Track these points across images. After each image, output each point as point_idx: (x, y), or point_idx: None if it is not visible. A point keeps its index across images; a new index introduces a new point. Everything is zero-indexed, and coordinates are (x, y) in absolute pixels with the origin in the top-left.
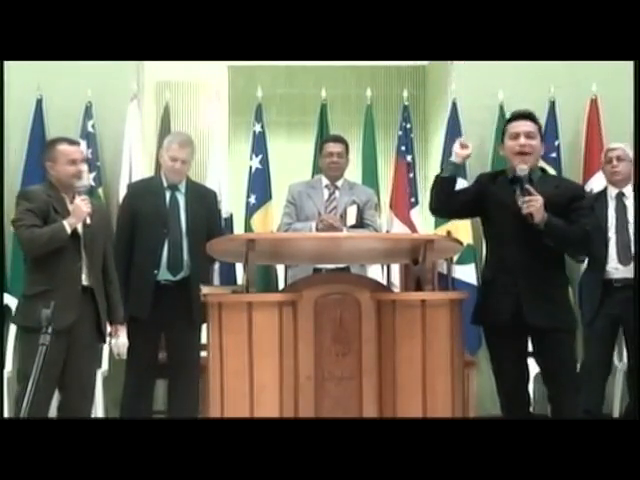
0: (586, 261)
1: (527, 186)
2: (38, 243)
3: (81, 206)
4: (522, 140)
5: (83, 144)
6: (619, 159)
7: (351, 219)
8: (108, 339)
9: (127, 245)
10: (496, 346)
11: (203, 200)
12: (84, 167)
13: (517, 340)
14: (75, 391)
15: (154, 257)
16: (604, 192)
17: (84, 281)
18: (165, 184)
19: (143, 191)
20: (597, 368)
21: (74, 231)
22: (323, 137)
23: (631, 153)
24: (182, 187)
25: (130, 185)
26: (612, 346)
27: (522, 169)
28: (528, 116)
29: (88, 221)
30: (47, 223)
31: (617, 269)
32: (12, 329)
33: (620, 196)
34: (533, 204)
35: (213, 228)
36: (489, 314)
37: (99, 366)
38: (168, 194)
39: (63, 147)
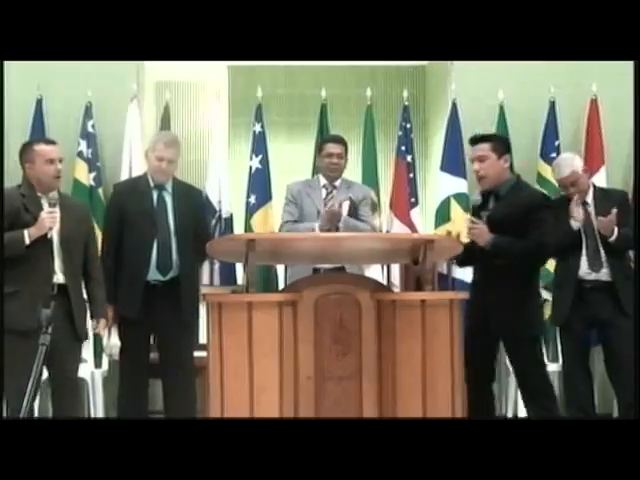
0: (557, 263)
1: (469, 217)
2: None
3: (45, 220)
4: (475, 166)
5: (83, 144)
6: (573, 184)
7: (343, 213)
8: (106, 341)
9: (115, 245)
10: (469, 346)
11: (190, 199)
12: (61, 167)
13: (487, 343)
14: (63, 391)
15: (143, 257)
16: (569, 198)
17: (59, 279)
18: (152, 184)
19: (130, 191)
20: (576, 370)
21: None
22: (323, 137)
23: (579, 165)
24: (169, 187)
25: (116, 185)
26: (589, 348)
27: (474, 200)
28: (480, 139)
29: (49, 235)
30: (15, 223)
31: (589, 273)
32: None
33: (584, 205)
34: (473, 232)
35: (201, 227)
36: (466, 318)
37: (79, 364)
38: (155, 194)
39: (40, 147)
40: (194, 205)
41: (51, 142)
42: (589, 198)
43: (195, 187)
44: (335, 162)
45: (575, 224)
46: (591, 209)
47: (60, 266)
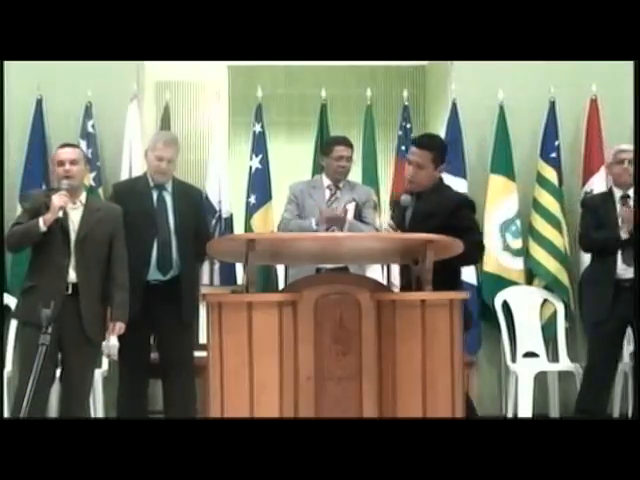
0: (590, 259)
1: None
2: (13, 239)
3: (54, 200)
4: (410, 170)
5: (83, 144)
6: (630, 162)
7: (349, 215)
8: (105, 341)
9: None
10: None
11: (190, 199)
12: (75, 168)
13: None
14: (68, 393)
15: (143, 257)
16: (610, 193)
17: (71, 278)
18: (151, 184)
19: (129, 191)
20: (603, 369)
21: (64, 228)
22: (324, 137)
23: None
24: (169, 186)
25: (115, 185)
26: (620, 348)
27: (403, 200)
28: (424, 146)
29: (61, 214)
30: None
31: (625, 270)
32: (12, 329)
33: (625, 198)
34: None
35: (201, 227)
36: None
37: (94, 368)
38: (155, 194)
39: (56, 152)
40: (194, 205)
41: (67, 145)
42: (631, 192)
43: (195, 187)
44: (343, 165)
45: (624, 235)
46: (631, 203)
47: (74, 265)
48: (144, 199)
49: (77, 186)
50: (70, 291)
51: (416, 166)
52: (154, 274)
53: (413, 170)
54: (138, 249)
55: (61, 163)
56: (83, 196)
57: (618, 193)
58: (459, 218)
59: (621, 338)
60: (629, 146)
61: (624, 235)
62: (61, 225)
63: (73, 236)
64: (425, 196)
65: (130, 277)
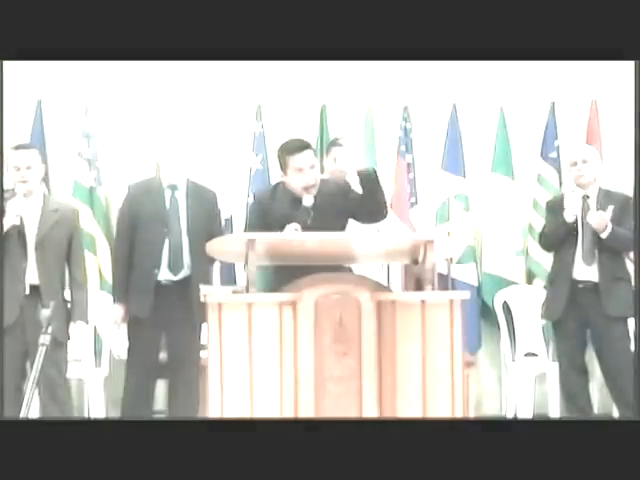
0: (552, 259)
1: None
2: None
3: (10, 207)
4: (308, 180)
5: (83, 144)
6: (584, 162)
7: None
8: (113, 340)
9: (127, 245)
10: None
11: (203, 200)
12: (30, 172)
13: None
14: (43, 398)
15: (155, 257)
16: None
17: (32, 280)
18: (164, 184)
19: (143, 192)
20: (571, 369)
21: (20, 232)
22: (324, 138)
23: (596, 155)
24: (182, 187)
25: (130, 186)
26: (584, 347)
27: (308, 199)
28: (306, 147)
29: (18, 222)
30: None
31: (583, 270)
32: None
33: (585, 198)
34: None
35: (213, 228)
36: None
37: (62, 367)
38: (168, 194)
39: (10, 153)
40: (207, 206)
41: (21, 147)
42: (592, 193)
43: (209, 188)
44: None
45: (569, 217)
46: (592, 203)
47: (34, 267)
48: (157, 199)
49: (33, 189)
50: (28, 292)
51: (312, 168)
52: (165, 274)
53: (310, 172)
54: (149, 249)
55: (17, 168)
56: (39, 195)
57: (579, 194)
58: (349, 200)
59: (582, 339)
60: (580, 147)
61: (603, 235)
62: (17, 230)
63: (33, 239)
64: (320, 193)
65: (141, 277)
